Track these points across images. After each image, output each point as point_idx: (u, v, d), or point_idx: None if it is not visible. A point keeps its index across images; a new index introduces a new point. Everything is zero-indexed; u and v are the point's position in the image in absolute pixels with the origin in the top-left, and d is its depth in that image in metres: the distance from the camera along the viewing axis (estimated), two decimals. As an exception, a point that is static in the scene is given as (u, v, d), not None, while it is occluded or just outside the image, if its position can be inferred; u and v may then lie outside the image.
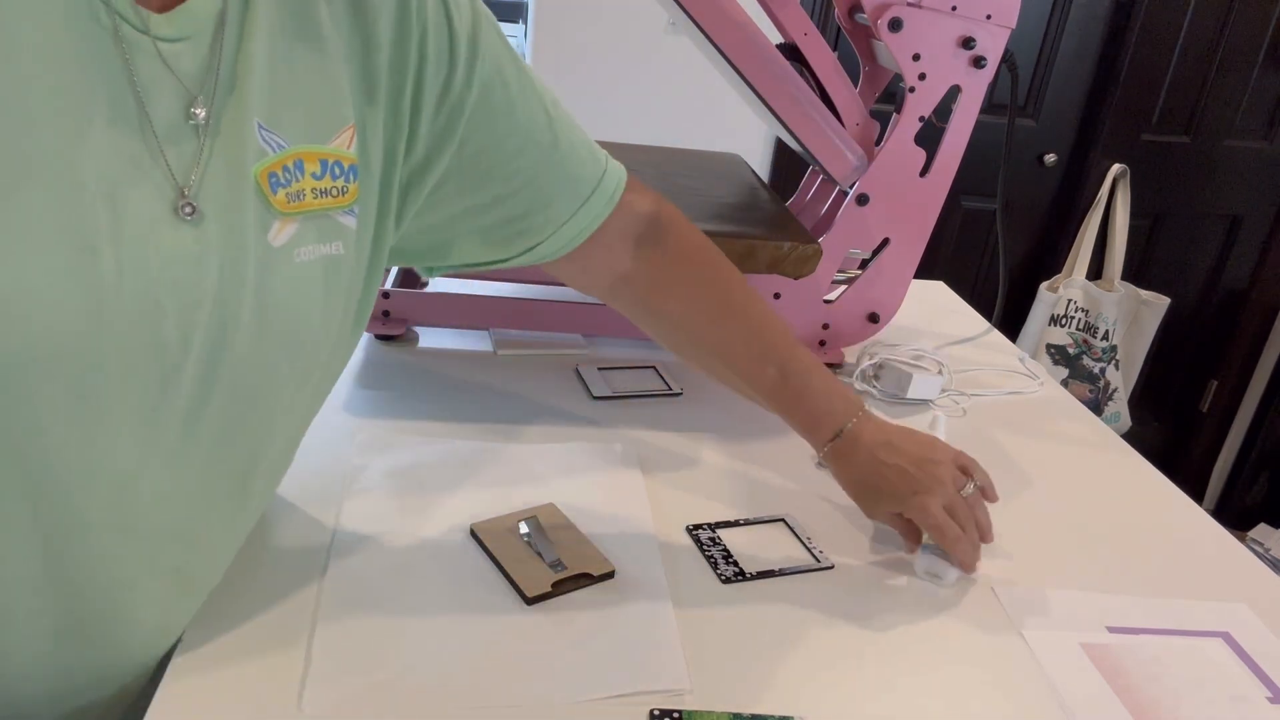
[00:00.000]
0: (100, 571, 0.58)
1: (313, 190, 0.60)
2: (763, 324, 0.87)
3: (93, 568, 0.58)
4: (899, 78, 1.11)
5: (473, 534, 0.81)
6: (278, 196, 0.58)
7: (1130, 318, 2.50)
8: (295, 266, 0.59)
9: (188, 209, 0.53)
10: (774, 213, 1.15)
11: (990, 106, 2.41)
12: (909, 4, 1.06)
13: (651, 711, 0.65)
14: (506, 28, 2.75)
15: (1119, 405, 2.55)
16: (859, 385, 1.17)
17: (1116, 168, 2.44)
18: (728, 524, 0.88)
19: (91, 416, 0.52)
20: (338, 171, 0.61)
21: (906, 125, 1.12)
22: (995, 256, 2.66)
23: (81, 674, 0.62)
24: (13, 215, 0.47)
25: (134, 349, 0.52)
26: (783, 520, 0.89)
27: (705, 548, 0.84)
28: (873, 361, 1.18)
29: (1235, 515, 2.91)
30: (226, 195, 0.55)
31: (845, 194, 1.17)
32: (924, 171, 1.15)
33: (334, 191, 0.61)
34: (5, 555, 0.54)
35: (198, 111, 0.53)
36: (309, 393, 0.67)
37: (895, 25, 1.06)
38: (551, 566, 0.77)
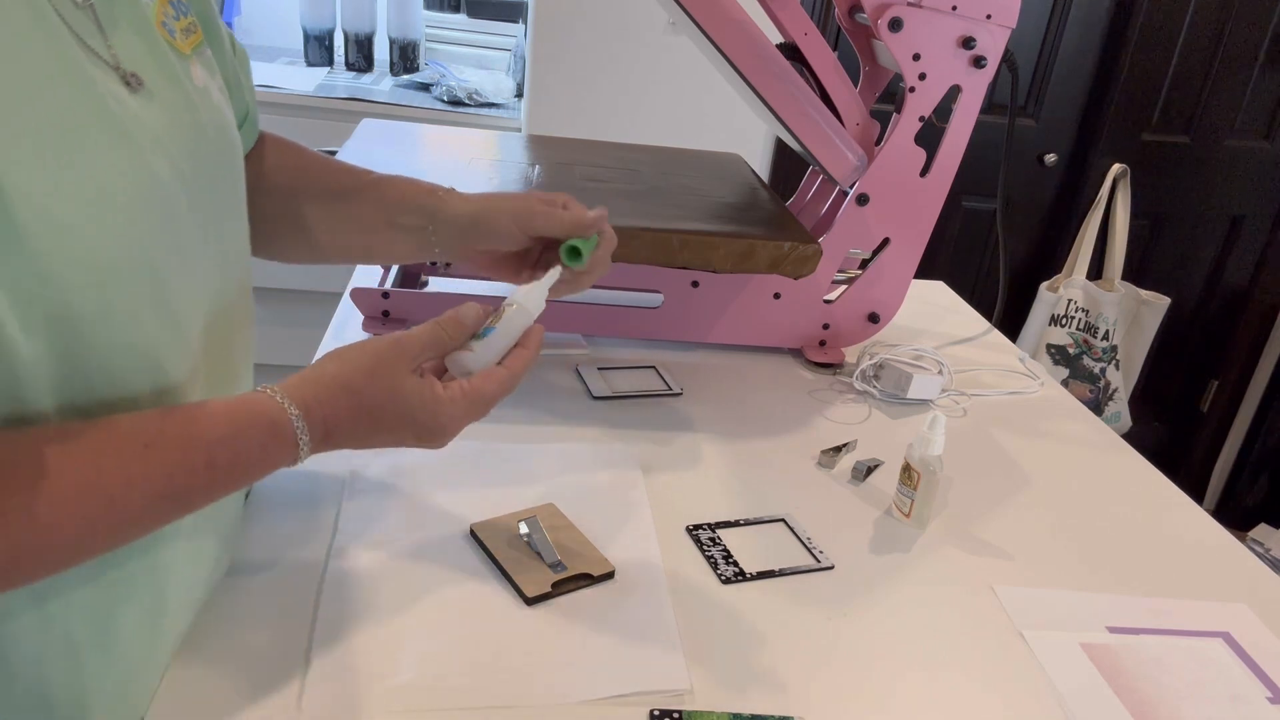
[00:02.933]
0: None
1: (182, 30, 0.62)
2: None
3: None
4: (899, 78, 1.11)
5: (473, 534, 0.81)
6: (178, 41, 0.60)
7: (1130, 318, 2.50)
8: (214, 105, 0.63)
9: (133, 79, 0.54)
10: (774, 213, 1.15)
11: (990, 106, 2.41)
12: (909, 4, 1.06)
13: (651, 712, 0.65)
14: (506, 27, 2.75)
15: (1119, 405, 2.55)
16: (859, 385, 1.17)
17: (1116, 168, 2.44)
18: (728, 524, 0.88)
19: (192, 266, 0.57)
20: (183, 7, 0.63)
21: (906, 125, 1.12)
22: (995, 256, 2.65)
23: None
24: (66, 120, 0.47)
25: (181, 214, 0.56)
26: (783, 520, 0.89)
27: (705, 548, 0.84)
28: (873, 361, 1.18)
29: (1235, 515, 2.90)
30: (151, 58, 0.56)
31: (845, 194, 1.17)
32: (924, 171, 1.15)
33: (191, 29, 0.63)
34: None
35: None
36: None
37: (895, 25, 1.06)
38: (551, 567, 0.77)
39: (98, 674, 0.57)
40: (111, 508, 0.50)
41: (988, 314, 1.46)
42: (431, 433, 0.64)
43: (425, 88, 2.47)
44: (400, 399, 0.62)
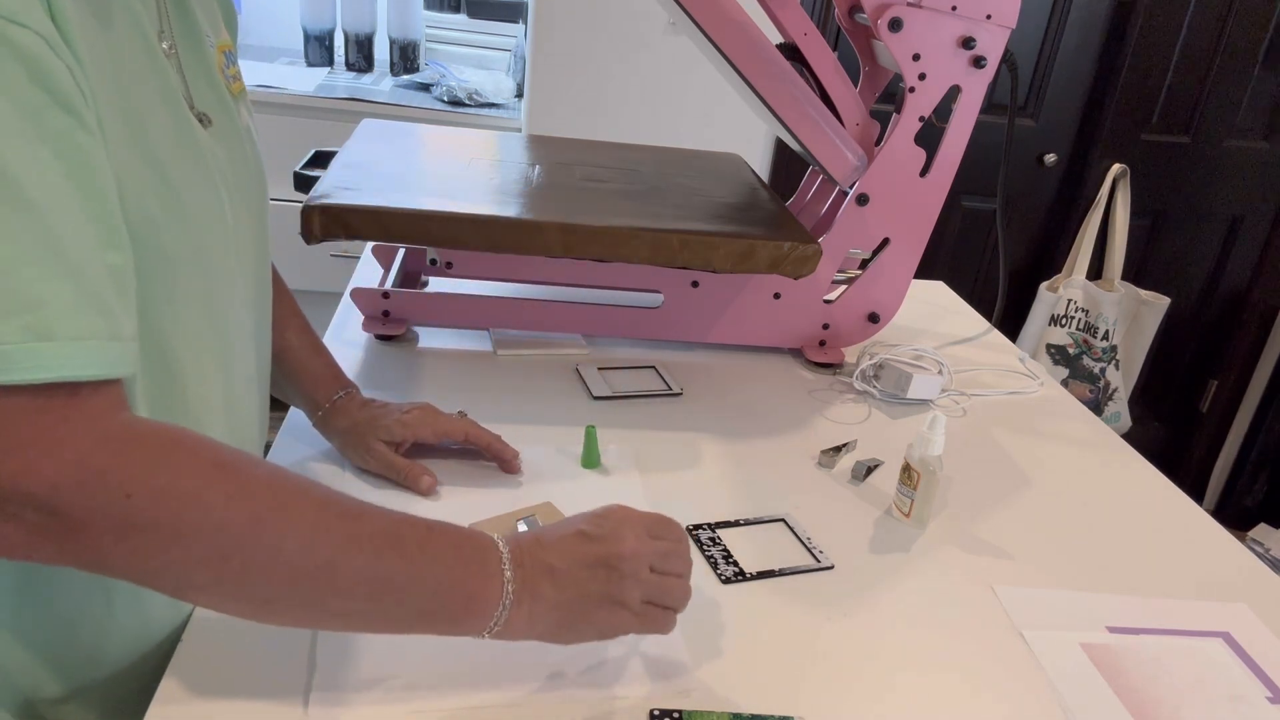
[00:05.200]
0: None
1: (232, 77, 0.73)
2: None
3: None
4: (899, 78, 1.11)
5: (473, 534, 0.80)
6: (231, 86, 0.72)
7: (1130, 318, 2.50)
8: (254, 142, 0.75)
9: (204, 119, 0.66)
10: (774, 213, 1.15)
11: (990, 106, 2.40)
12: (909, 4, 1.06)
13: (651, 712, 0.65)
14: (506, 27, 2.75)
15: (1119, 405, 2.55)
16: (859, 385, 1.17)
17: (1116, 168, 2.44)
18: (728, 524, 0.88)
19: (233, 286, 0.70)
20: (233, 57, 0.74)
21: (906, 125, 1.12)
22: (995, 256, 2.65)
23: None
24: (169, 144, 0.59)
25: (228, 225, 0.68)
26: (783, 520, 0.89)
27: (705, 548, 0.84)
28: (873, 361, 1.18)
29: (1235, 515, 2.90)
30: (215, 100, 0.68)
31: (845, 194, 1.17)
32: (924, 171, 1.15)
33: (237, 77, 0.74)
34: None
35: (165, 45, 0.62)
36: None
37: (895, 25, 1.06)
38: (551, 566, 0.77)
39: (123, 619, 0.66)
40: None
41: (988, 314, 1.46)
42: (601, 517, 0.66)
43: (425, 88, 2.47)
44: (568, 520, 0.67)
